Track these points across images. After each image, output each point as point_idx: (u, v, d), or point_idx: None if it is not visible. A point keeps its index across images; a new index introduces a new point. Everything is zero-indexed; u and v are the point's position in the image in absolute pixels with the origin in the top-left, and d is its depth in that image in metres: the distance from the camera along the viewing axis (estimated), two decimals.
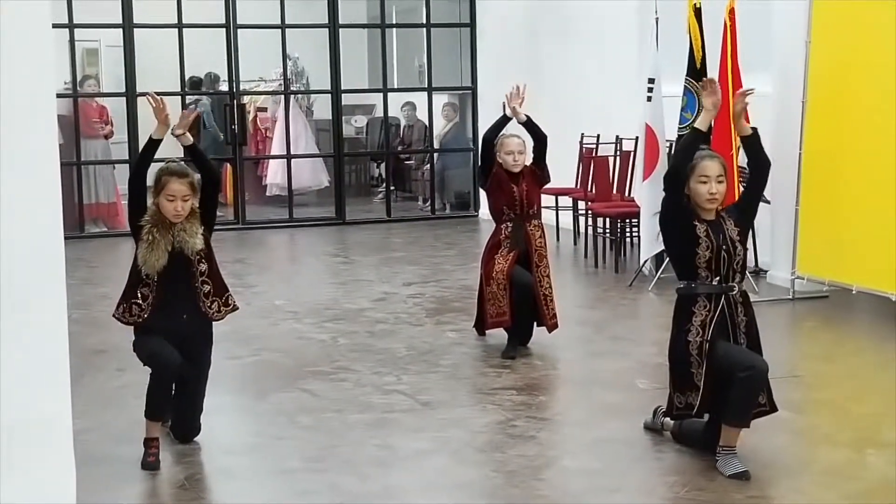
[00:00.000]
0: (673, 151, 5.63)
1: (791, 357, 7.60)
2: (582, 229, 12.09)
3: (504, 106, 7.79)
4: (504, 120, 7.77)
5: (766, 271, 10.07)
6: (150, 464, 5.51)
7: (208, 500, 5.15)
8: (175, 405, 5.85)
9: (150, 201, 5.73)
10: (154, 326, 5.66)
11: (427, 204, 15.67)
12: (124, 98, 14.11)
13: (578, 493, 5.17)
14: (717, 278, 5.44)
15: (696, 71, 9.55)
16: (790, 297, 9.26)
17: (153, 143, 5.75)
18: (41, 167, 2.46)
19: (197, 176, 5.78)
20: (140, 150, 5.93)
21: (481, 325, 7.86)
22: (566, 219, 12.53)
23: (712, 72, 9.42)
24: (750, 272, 9.73)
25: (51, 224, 2.49)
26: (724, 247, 5.43)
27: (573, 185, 12.44)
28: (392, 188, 16.46)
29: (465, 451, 5.75)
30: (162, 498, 5.21)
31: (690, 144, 5.59)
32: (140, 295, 5.69)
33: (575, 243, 12.17)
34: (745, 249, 5.56)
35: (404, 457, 5.68)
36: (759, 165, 5.64)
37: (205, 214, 5.79)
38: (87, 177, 14.06)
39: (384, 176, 16.69)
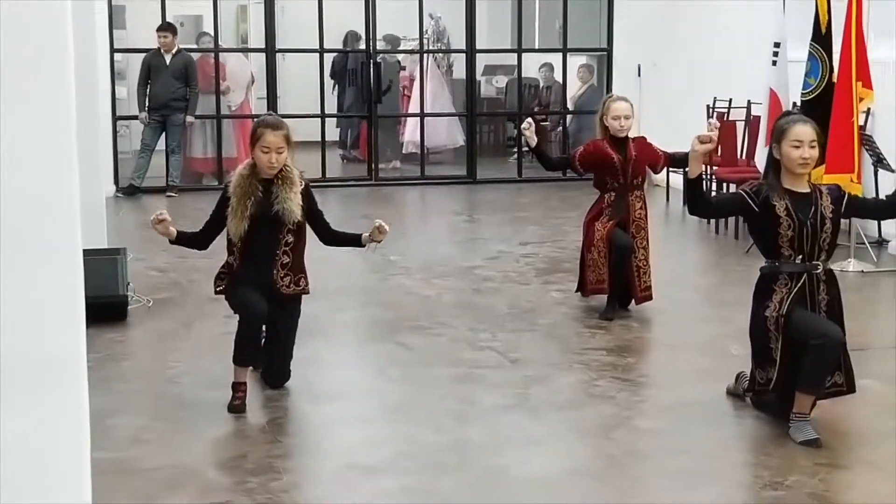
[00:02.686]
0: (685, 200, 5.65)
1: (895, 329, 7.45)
2: None
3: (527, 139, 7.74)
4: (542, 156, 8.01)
5: (889, 241, 9.86)
6: (235, 407, 5.72)
7: (284, 444, 5.32)
8: (266, 352, 6.06)
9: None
10: (244, 277, 5.87)
11: None
12: (264, 54, 14.43)
13: (644, 453, 5.21)
14: (801, 256, 5.38)
15: (821, 36, 9.36)
16: None
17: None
18: (53, 112, 2.60)
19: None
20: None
21: (583, 290, 7.89)
22: None
23: (837, 37, 9.24)
24: (871, 243, 9.57)
25: (64, 161, 2.63)
26: (810, 221, 5.35)
27: None
28: (526, 149, 16.46)
29: (542, 408, 5.82)
30: (241, 439, 5.40)
31: (693, 193, 5.53)
32: (227, 264, 6.00)
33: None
34: (837, 229, 5.46)
35: (481, 412, 5.78)
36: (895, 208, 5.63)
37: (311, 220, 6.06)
38: (215, 131, 14.35)
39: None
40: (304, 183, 5.96)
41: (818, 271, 5.41)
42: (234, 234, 5.84)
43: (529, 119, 7.83)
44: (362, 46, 15.28)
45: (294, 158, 5.94)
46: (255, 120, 6.04)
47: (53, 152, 2.63)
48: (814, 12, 9.41)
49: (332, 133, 16.55)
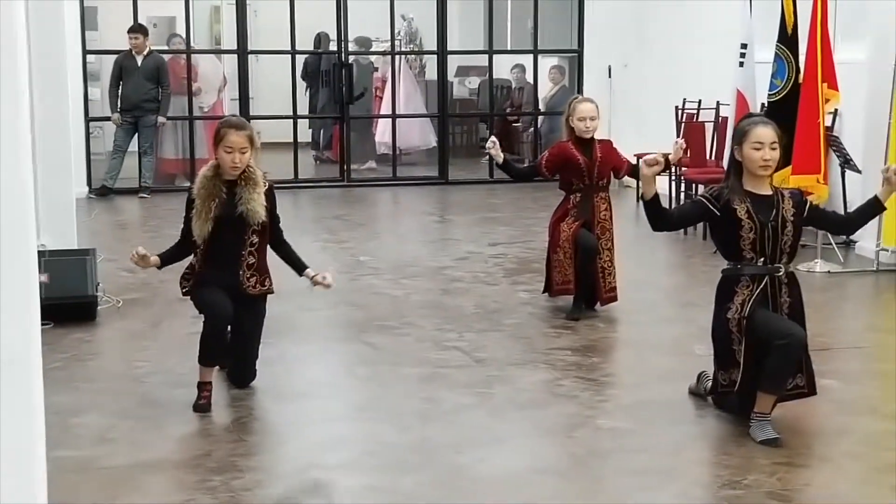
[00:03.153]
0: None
1: (859, 328, 7.52)
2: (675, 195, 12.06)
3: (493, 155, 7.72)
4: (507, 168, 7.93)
5: (856, 242, 9.94)
6: (201, 406, 5.74)
7: (248, 442, 5.34)
8: (232, 352, 6.08)
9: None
10: (209, 278, 5.89)
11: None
12: (236, 56, 14.44)
13: (604, 452, 5.25)
14: (763, 259, 5.42)
15: (787, 37, 9.44)
16: (874, 268, 9.15)
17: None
18: (5, 111, 2.62)
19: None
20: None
21: (550, 290, 7.94)
22: (663, 184, 12.50)
23: (803, 39, 9.31)
24: (838, 244, 9.65)
25: (15, 160, 2.65)
26: (771, 224, 5.38)
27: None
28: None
29: (505, 407, 5.86)
30: (205, 437, 5.42)
31: (652, 213, 5.50)
32: (191, 264, 6.04)
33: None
34: (799, 232, 5.49)
35: (445, 411, 5.81)
36: (852, 226, 5.75)
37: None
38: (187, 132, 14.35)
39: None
40: (267, 184, 5.97)
41: (780, 274, 5.45)
42: (198, 235, 5.86)
43: (493, 138, 7.82)
44: (334, 48, 15.29)
45: (258, 159, 5.96)
46: (219, 121, 6.07)
47: (5, 151, 2.65)
48: (780, 13, 9.49)
49: (305, 134, 16.58)
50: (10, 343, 2.72)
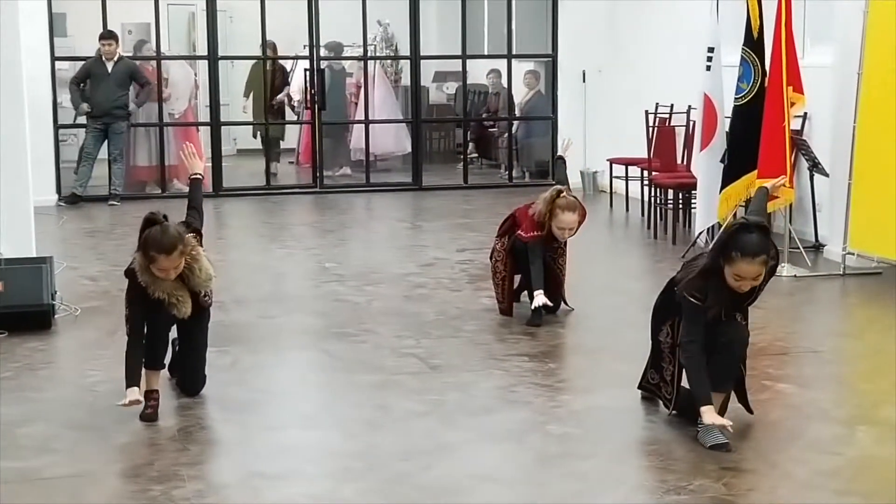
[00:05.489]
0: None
1: (818, 332, 7.48)
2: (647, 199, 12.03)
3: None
4: None
5: (825, 246, 9.92)
6: (147, 416, 5.66)
7: (192, 452, 5.26)
8: (179, 360, 6.04)
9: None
10: None
11: (506, 171, 15.67)
12: (206, 61, 14.39)
13: (551, 458, 5.19)
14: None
15: (753, 41, 9.41)
16: (841, 272, 9.11)
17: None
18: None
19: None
20: None
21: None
22: (635, 189, 12.50)
23: (769, 42, 9.28)
24: (806, 248, 9.63)
25: None
26: (734, 314, 5.34)
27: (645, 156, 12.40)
28: (475, 156, 16.58)
29: (455, 414, 5.80)
30: (149, 447, 5.34)
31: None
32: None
33: (642, 214, 12.10)
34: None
35: (395, 418, 5.75)
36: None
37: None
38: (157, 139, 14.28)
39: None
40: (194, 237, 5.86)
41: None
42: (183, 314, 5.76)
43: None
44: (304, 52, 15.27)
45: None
46: (145, 235, 5.64)
47: None
48: (746, 16, 9.46)
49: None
50: None
